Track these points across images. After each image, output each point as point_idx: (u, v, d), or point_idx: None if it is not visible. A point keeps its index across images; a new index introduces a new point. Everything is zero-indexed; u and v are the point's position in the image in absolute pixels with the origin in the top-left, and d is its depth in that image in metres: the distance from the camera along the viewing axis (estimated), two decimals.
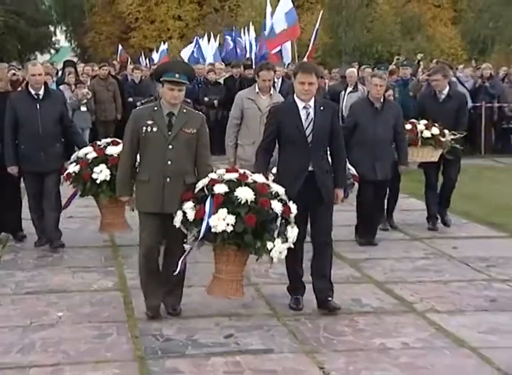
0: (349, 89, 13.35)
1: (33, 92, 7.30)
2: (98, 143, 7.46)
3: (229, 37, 24.32)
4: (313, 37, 18.02)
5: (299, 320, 5.53)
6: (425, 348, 5.10)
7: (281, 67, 16.32)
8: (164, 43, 31.67)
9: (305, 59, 17.44)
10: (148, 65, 22.96)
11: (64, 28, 53.11)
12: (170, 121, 5.35)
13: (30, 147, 7.25)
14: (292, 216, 5.23)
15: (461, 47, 39.85)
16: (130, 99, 14.78)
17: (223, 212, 4.98)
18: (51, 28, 51.76)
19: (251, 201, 5.03)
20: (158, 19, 42.20)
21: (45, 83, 7.50)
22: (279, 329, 5.40)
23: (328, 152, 5.82)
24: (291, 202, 5.25)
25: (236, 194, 5.05)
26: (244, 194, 5.04)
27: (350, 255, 7.20)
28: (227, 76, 16.24)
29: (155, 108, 5.41)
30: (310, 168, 5.58)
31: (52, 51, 51.11)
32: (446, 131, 8.00)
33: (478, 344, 5.14)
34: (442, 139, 7.95)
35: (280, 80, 15.09)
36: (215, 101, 14.99)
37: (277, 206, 5.10)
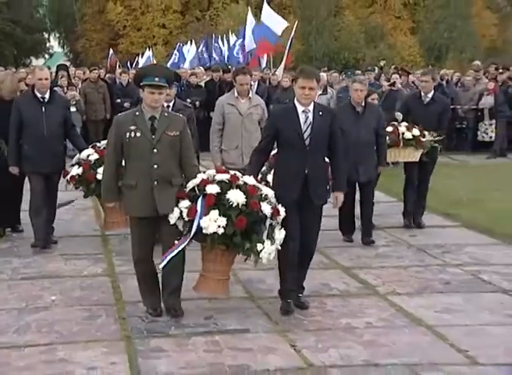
0: (319, 92, 13.42)
1: (39, 95, 6.96)
2: (98, 145, 7.15)
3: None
4: (288, 45, 18.09)
5: (273, 303, 5.52)
6: (387, 326, 5.13)
7: (257, 71, 16.33)
8: (149, 49, 31.46)
9: (282, 66, 17.50)
10: (135, 69, 22.75)
11: (57, 35, 52.66)
12: (153, 125, 5.01)
13: (35, 148, 6.90)
14: (280, 218, 4.95)
15: (419, 54, 40.17)
16: (118, 100, 14.74)
17: (215, 213, 4.70)
18: (46, 35, 51.33)
19: (242, 204, 4.73)
20: (144, 27, 41.97)
21: (51, 87, 7.19)
22: (254, 311, 5.40)
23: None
24: (279, 205, 4.97)
25: (227, 196, 4.74)
26: (236, 197, 4.73)
27: (319, 243, 7.19)
28: (208, 79, 16.20)
29: (137, 113, 5.05)
30: (306, 171, 5.23)
31: (46, 56, 50.63)
32: (426, 132, 7.73)
33: (433, 323, 5.19)
34: (423, 139, 7.69)
35: (256, 83, 15.12)
36: (197, 103, 14.93)
37: (266, 208, 4.82)
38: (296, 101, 5.32)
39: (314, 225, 5.41)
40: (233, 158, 6.99)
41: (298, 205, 5.21)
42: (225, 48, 22.44)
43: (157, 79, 4.94)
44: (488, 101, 14.55)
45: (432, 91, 8.08)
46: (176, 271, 5.08)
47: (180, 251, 4.92)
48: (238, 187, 4.84)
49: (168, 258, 4.92)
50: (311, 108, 5.28)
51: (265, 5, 19.03)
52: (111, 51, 29.15)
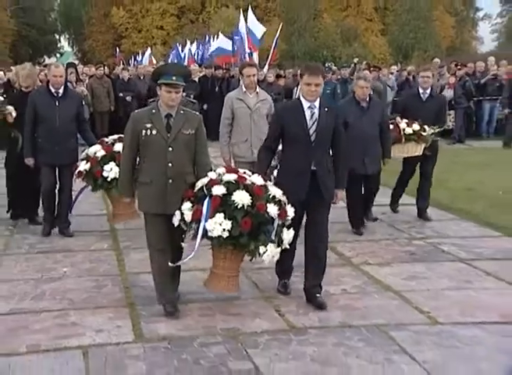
0: (300, 85, 13.37)
1: (53, 90, 6.48)
2: (106, 140, 6.59)
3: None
4: (273, 45, 18.03)
5: (261, 273, 5.50)
6: (359, 292, 5.15)
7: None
8: (150, 48, 31.22)
9: (267, 63, 17.37)
10: (135, 66, 22.47)
11: (67, 36, 52.37)
12: (168, 123, 4.46)
13: (48, 141, 6.46)
14: (288, 218, 4.38)
15: (389, 53, 40.19)
16: (121, 94, 14.80)
17: (220, 216, 4.15)
18: (57, 36, 51.23)
19: (248, 206, 4.18)
20: (144, 28, 41.74)
21: (65, 83, 6.66)
22: (243, 280, 5.33)
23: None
24: (289, 206, 4.39)
25: (233, 198, 4.18)
26: (241, 198, 4.17)
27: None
28: (201, 75, 16.11)
29: (153, 111, 4.49)
30: (312, 167, 4.68)
31: (58, 54, 50.30)
32: (426, 127, 7.15)
33: (400, 289, 5.22)
34: (424, 134, 7.11)
35: None
36: (191, 96, 14.86)
37: (273, 210, 4.24)
38: (301, 97, 4.76)
39: (325, 221, 4.86)
40: (243, 152, 6.40)
41: (305, 203, 4.68)
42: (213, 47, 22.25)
43: (174, 78, 4.38)
44: (448, 93, 14.56)
45: (430, 88, 7.40)
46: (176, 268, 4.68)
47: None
48: (245, 187, 4.28)
49: (181, 262, 4.54)
50: (317, 103, 4.71)
51: (250, 12, 19.00)
52: (117, 49, 29.04)
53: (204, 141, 4.63)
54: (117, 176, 5.90)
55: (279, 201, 4.34)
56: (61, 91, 6.54)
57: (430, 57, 28.62)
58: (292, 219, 4.45)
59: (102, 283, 5.35)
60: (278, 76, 14.84)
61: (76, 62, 31.67)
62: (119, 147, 6.07)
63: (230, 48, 19.23)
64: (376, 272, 5.65)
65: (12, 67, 14.74)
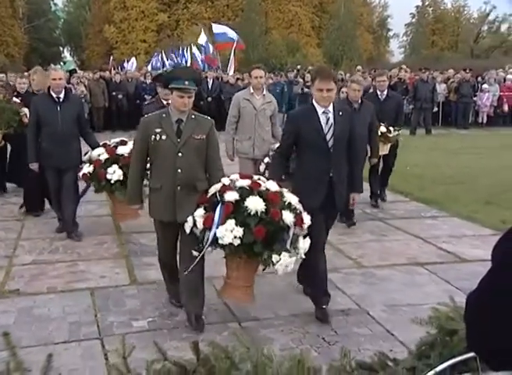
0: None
1: (54, 95, 5.26)
2: (108, 143, 5.45)
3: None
4: (232, 54, 17.86)
5: None
6: None
7: (212, 71, 16.06)
8: (135, 57, 30.54)
9: (232, 68, 17.05)
10: (124, 71, 21.91)
11: (69, 48, 51.20)
12: (179, 128, 3.44)
13: (51, 144, 5.26)
14: (305, 226, 3.31)
15: (323, 61, 40.22)
16: (114, 93, 14.54)
17: (231, 223, 3.14)
18: (61, 48, 50.06)
19: (262, 212, 3.17)
20: (130, 41, 40.83)
21: (65, 88, 5.46)
22: None
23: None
24: (305, 213, 3.33)
25: (246, 204, 3.17)
26: (255, 204, 3.16)
27: None
28: None
29: (163, 115, 3.47)
30: (330, 174, 3.59)
31: (61, 63, 49.03)
32: (391, 128, 6.40)
33: (335, 242, 5.28)
34: (389, 135, 6.37)
35: (211, 80, 14.88)
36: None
37: (288, 217, 3.20)
38: (314, 102, 3.63)
39: (330, 227, 3.88)
40: (246, 148, 5.51)
41: (323, 211, 3.59)
42: (187, 56, 21.89)
43: (187, 82, 3.37)
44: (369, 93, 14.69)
45: (387, 90, 6.66)
46: (195, 273, 3.48)
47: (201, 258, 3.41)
48: (259, 193, 3.26)
49: (191, 267, 3.40)
50: (330, 108, 3.62)
51: (214, 25, 18.75)
52: (111, 57, 28.45)
53: (215, 146, 3.57)
54: (120, 179, 5.08)
55: (295, 208, 3.31)
56: (62, 95, 5.31)
57: (354, 65, 28.81)
58: (309, 227, 3.37)
59: (103, 241, 5.30)
60: (237, 79, 15.71)
61: (77, 68, 30.81)
62: (121, 150, 5.23)
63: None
64: None
65: (25, 73, 14.12)
